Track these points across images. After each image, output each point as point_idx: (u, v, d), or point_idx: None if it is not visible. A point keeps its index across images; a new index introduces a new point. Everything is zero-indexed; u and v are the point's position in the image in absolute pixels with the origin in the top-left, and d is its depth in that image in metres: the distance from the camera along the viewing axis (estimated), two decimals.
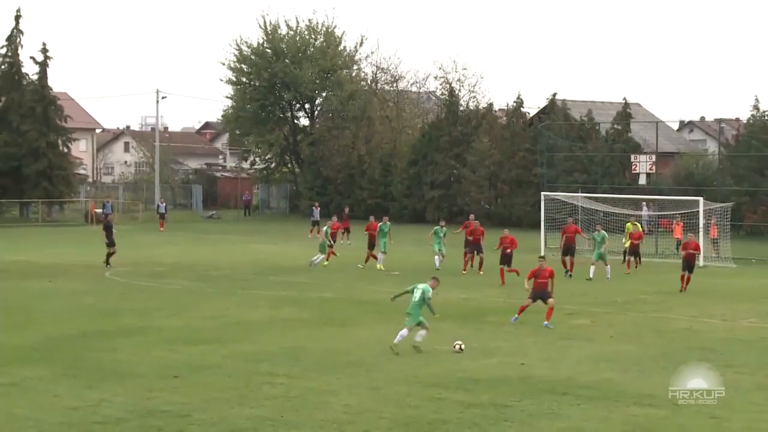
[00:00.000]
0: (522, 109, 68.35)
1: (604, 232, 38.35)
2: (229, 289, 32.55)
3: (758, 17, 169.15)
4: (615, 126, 62.75)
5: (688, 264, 32.79)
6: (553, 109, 65.84)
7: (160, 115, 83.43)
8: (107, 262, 38.89)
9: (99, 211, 65.55)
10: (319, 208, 58.62)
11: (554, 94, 66.79)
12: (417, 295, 21.89)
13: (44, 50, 71.47)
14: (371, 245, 39.69)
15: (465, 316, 27.09)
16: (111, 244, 39.25)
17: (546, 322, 24.85)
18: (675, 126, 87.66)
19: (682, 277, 32.59)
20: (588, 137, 62.89)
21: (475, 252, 38.39)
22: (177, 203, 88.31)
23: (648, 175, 52.42)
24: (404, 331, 21.62)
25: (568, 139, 61.39)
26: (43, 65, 71.46)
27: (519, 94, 68.88)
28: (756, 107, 59.61)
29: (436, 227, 40.02)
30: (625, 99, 64.35)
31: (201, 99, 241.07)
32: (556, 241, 46.77)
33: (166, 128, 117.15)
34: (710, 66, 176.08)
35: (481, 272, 37.72)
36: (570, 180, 58.38)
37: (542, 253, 43.64)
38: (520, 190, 64.50)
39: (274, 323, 25.68)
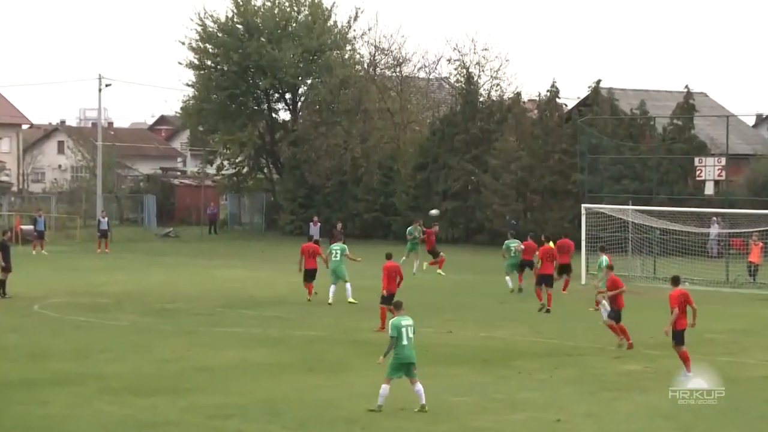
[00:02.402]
0: (558, 100, 68.41)
1: (605, 257, 36.91)
2: (190, 326, 32.54)
3: None
4: (674, 121, 62.83)
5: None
6: (597, 100, 65.89)
7: (103, 107, 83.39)
8: (4, 293, 39.06)
9: (28, 227, 65.45)
10: (319, 225, 58.45)
11: (598, 82, 66.85)
12: (410, 332, 21.36)
13: None
14: (309, 275, 38.52)
15: (485, 360, 27.09)
16: (8, 268, 39.41)
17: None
18: (750, 121, 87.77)
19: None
20: (641, 135, 62.95)
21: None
22: (125, 218, 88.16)
23: (716, 182, 52.46)
24: (419, 389, 21.16)
25: (616, 138, 61.47)
26: None
27: (554, 82, 68.59)
28: None
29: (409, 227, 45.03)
30: (687, 87, 64.39)
31: (155, 87, 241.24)
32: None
33: (110, 124, 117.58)
34: None
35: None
36: (618, 189, 58.39)
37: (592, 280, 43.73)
38: (554, 202, 64.58)
39: (247, 368, 25.68)
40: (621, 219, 47.99)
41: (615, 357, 27.57)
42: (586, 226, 47.30)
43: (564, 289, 40.49)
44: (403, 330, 21.24)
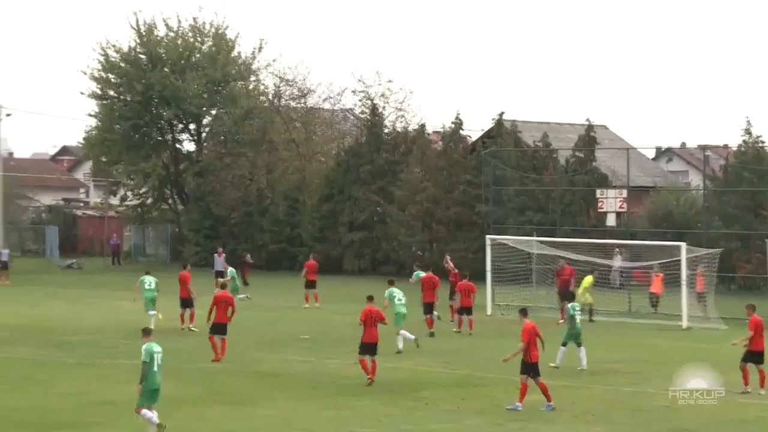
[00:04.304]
0: (462, 131, 68.87)
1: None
2: (92, 359, 32.13)
3: (749, 30, 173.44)
4: (576, 153, 63.51)
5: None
6: (501, 132, 66.42)
7: (3, 137, 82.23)
8: None
9: None
10: (224, 256, 57.87)
11: (501, 114, 67.44)
12: (159, 358, 21.74)
13: None
14: (187, 302, 39.95)
15: (393, 390, 27.03)
16: None
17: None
18: (650, 154, 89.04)
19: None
20: (544, 167, 63.52)
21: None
22: (26, 249, 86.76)
23: (618, 214, 53.01)
24: (153, 415, 21.41)
25: (519, 170, 61.97)
26: None
27: (458, 114, 69.12)
28: (748, 131, 60.54)
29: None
30: (588, 120, 65.13)
31: (57, 117, 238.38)
32: (505, 296, 47.14)
33: (11, 154, 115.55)
34: (693, 83, 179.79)
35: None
36: (522, 220, 58.81)
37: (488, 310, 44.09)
38: (460, 233, 64.83)
39: None
40: (526, 250, 48.28)
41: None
42: (492, 256, 47.50)
43: (458, 326, 39.91)
44: (155, 356, 21.61)
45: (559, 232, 54.40)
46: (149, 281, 40.31)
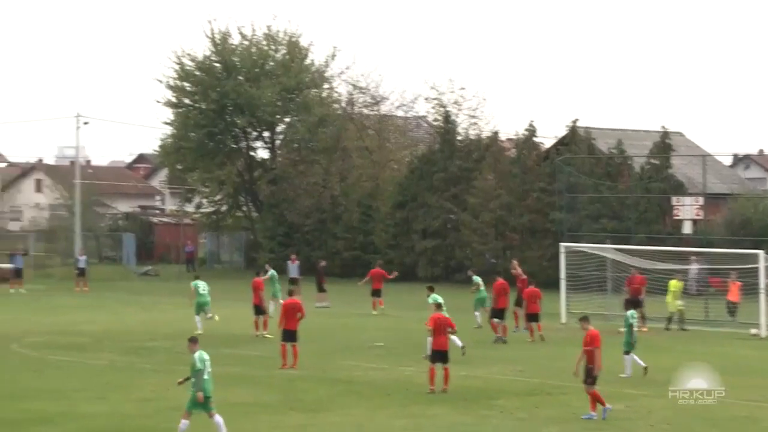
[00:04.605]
0: (535, 139, 68.64)
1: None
2: (169, 365, 32.39)
3: None
4: (651, 160, 63.09)
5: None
6: (574, 139, 66.12)
7: (81, 145, 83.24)
8: None
9: (6, 266, 65.24)
10: (297, 263, 57.89)
11: (575, 121, 67.12)
12: (209, 365, 21.95)
13: None
14: (260, 309, 40.77)
15: (466, 398, 27.03)
16: None
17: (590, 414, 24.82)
18: (727, 161, 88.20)
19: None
20: (618, 174, 63.16)
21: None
22: (103, 256, 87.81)
23: (694, 222, 52.53)
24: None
25: (594, 177, 61.66)
26: None
27: (531, 121, 68.83)
28: None
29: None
30: (663, 127, 64.69)
31: (133, 125, 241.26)
32: (579, 304, 46.93)
33: (88, 162, 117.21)
34: None
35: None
36: (596, 228, 58.48)
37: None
38: (533, 240, 64.64)
39: (226, 408, 25.45)
40: (600, 256, 48.01)
41: None
42: (566, 264, 47.30)
43: (531, 336, 39.93)
44: (206, 363, 21.84)
45: (634, 239, 54.04)
46: (203, 286, 41.18)
